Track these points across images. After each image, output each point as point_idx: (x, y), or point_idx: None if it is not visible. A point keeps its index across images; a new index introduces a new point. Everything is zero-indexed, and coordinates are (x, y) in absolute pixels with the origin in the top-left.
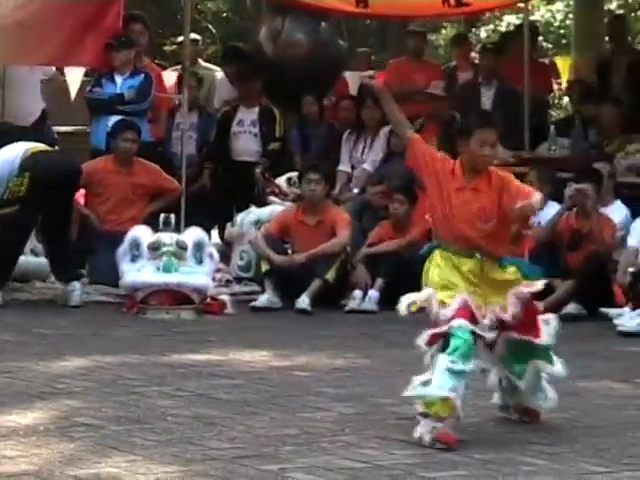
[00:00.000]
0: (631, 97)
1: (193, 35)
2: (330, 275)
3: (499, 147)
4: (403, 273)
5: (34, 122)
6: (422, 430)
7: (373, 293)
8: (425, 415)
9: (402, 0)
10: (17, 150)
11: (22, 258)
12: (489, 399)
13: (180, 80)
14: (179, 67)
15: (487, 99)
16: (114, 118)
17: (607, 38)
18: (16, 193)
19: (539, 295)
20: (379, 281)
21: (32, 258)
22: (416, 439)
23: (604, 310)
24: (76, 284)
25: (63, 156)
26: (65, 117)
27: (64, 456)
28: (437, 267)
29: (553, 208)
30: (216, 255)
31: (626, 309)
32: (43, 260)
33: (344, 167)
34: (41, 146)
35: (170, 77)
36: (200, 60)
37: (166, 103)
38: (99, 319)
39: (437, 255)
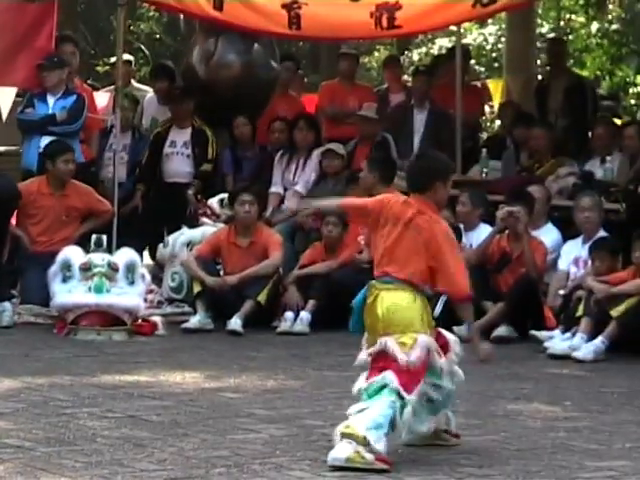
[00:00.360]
0: (568, 121)
1: (126, 56)
2: (262, 297)
3: None
4: (334, 295)
5: None
6: (350, 449)
7: (305, 315)
8: (349, 437)
9: (334, 22)
10: None
11: None
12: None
13: (114, 101)
14: (112, 88)
15: (419, 122)
16: (46, 139)
17: (539, 62)
18: None
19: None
20: (311, 303)
21: None
22: (342, 460)
23: (534, 333)
24: (7, 304)
25: (1, 179)
26: None
27: None
28: (421, 311)
29: (485, 230)
30: (148, 276)
31: (556, 332)
32: None
33: (276, 189)
34: None
35: (102, 98)
36: (133, 81)
37: (97, 124)
38: (29, 340)
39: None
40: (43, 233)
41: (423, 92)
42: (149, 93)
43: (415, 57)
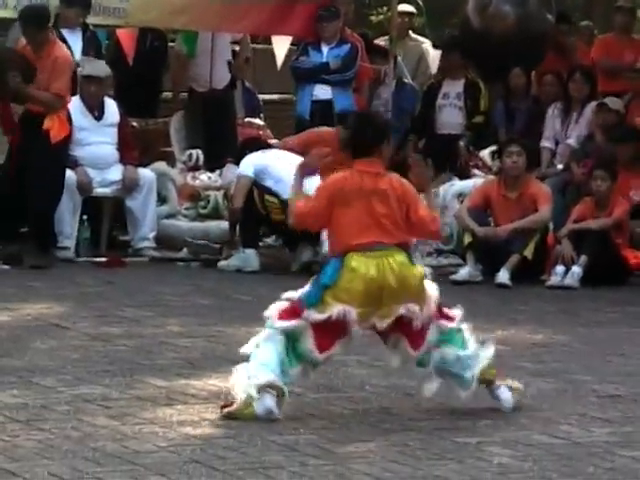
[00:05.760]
0: None
1: (405, 7)
2: (528, 251)
3: None
4: (606, 252)
5: (224, 87)
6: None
7: (576, 269)
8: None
9: None
10: None
11: None
12: None
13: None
14: (386, 37)
15: None
16: (319, 87)
17: None
18: None
19: None
20: (583, 258)
21: None
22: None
23: None
24: (251, 251)
25: None
26: (271, 85)
27: (263, 421)
28: None
29: None
30: None
31: None
32: None
33: (548, 143)
34: None
35: None
36: (410, 32)
37: (368, 73)
38: (299, 287)
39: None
40: None
41: None
42: (428, 45)
43: None
